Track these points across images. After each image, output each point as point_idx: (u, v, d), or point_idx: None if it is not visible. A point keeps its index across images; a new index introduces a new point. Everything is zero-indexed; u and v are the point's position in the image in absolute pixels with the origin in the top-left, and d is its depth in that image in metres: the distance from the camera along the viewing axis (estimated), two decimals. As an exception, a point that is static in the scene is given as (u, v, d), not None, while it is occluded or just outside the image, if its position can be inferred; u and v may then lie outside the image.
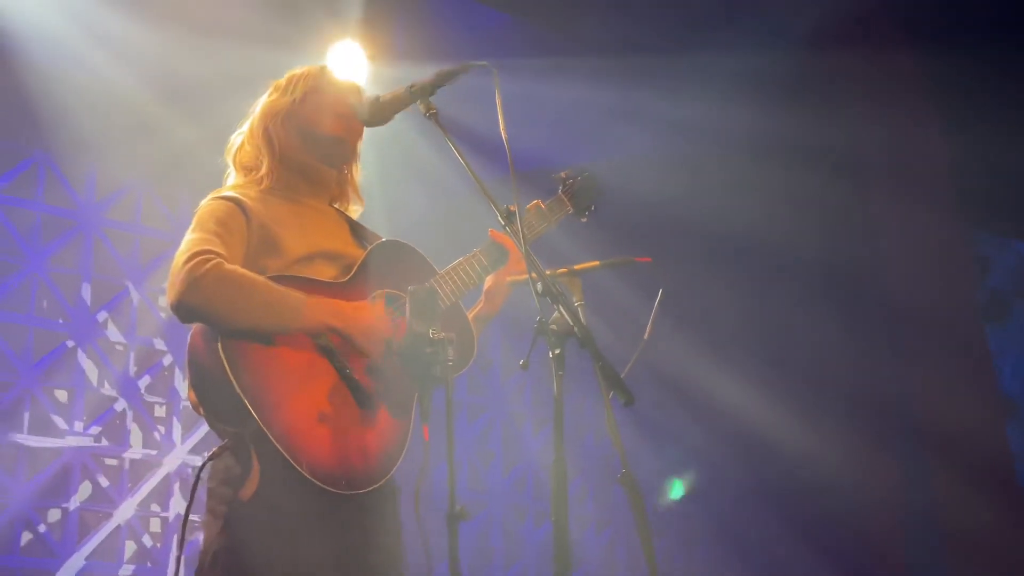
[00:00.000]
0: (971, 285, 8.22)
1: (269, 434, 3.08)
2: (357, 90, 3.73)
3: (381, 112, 3.52)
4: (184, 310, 3.18)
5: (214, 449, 3.25)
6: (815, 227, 7.62)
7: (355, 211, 3.81)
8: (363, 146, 3.78)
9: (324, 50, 6.34)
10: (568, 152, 7.09)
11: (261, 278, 3.24)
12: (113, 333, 6.76)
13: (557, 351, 3.00)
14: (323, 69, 3.73)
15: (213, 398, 3.21)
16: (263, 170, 3.58)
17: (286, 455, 3.09)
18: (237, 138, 3.69)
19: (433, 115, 3.37)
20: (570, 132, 7.16)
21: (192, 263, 3.17)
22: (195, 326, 3.26)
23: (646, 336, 3.45)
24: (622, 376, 2.97)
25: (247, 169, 3.63)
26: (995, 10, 7.09)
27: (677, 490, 8.63)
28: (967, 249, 8.25)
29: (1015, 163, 7.69)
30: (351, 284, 3.44)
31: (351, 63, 6.35)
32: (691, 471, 8.74)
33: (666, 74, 7.01)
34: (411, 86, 3.44)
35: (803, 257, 7.73)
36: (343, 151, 3.69)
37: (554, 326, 3.01)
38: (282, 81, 3.71)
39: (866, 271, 7.75)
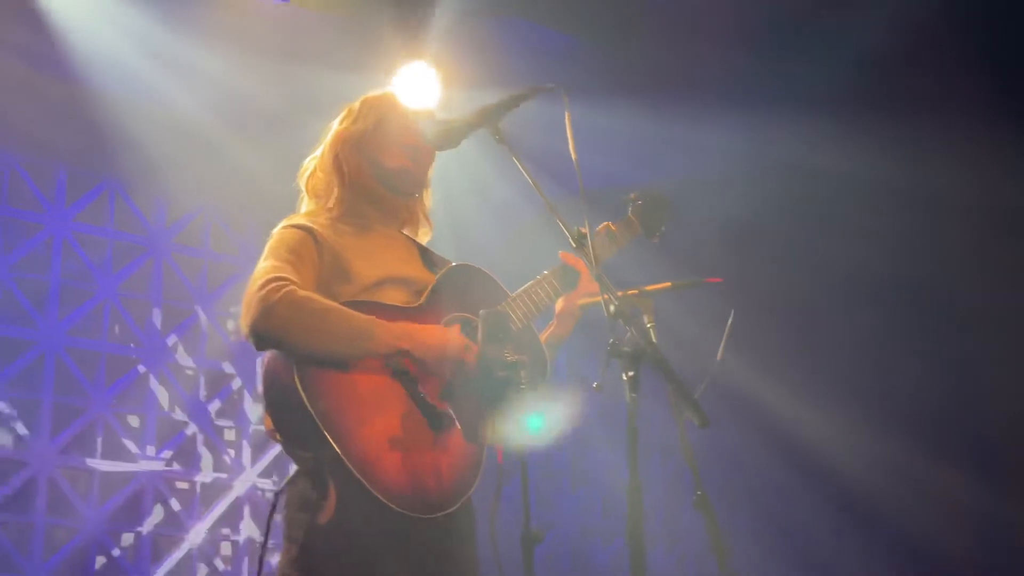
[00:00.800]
0: None
1: (345, 459, 3.09)
2: (429, 116, 3.73)
3: (450, 136, 3.51)
4: (259, 337, 3.20)
5: (290, 475, 3.26)
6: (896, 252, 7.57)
7: (424, 235, 3.82)
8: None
9: (395, 73, 6.37)
10: (635, 172, 7.07)
11: (334, 303, 3.26)
12: (183, 357, 6.83)
13: (631, 373, 2.98)
14: (393, 96, 3.75)
15: (289, 424, 3.22)
16: (333, 198, 3.60)
17: (362, 480, 3.09)
18: (310, 163, 3.71)
19: (502, 138, 3.38)
20: (637, 153, 7.14)
21: (265, 290, 3.19)
22: (270, 353, 3.28)
23: (718, 357, 3.43)
24: (696, 397, 2.95)
25: (318, 196, 3.66)
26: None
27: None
28: None
29: None
30: (423, 309, 3.45)
31: (422, 86, 6.37)
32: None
33: (740, 99, 6.99)
34: (480, 110, 3.44)
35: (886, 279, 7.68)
36: (411, 181, 3.70)
37: (627, 348, 2.99)
38: (355, 106, 3.73)
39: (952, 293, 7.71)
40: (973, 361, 7.93)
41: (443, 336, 3.36)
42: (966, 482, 7.73)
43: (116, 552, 6.35)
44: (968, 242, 7.69)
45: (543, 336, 3.75)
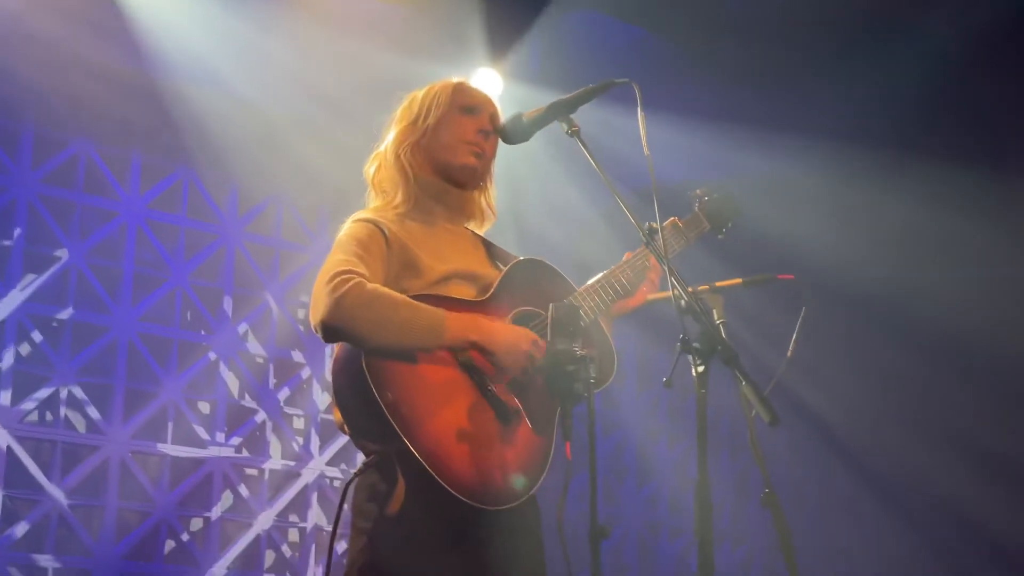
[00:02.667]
0: None
1: (413, 451, 3.10)
2: (491, 105, 3.73)
3: (522, 130, 3.52)
4: (327, 330, 3.21)
5: (360, 466, 3.27)
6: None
7: (488, 224, 3.82)
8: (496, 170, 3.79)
9: (463, 63, 6.39)
10: (705, 171, 7.04)
11: (402, 296, 3.26)
12: (253, 345, 6.88)
13: (701, 369, 2.97)
14: (457, 88, 3.71)
15: (358, 416, 3.24)
16: (399, 196, 3.60)
17: (430, 471, 3.11)
18: (374, 159, 3.71)
19: (575, 132, 3.38)
20: (709, 151, 7.11)
21: (334, 283, 3.20)
22: (339, 345, 3.30)
23: (789, 354, 3.41)
24: (766, 394, 2.93)
25: (384, 192, 3.66)
26: None
27: None
28: None
29: None
30: (490, 302, 3.45)
31: (488, 83, 6.42)
32: None
33: (807, 99, 6.95)
34: (553, 103, 3.44)
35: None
36: (476, 176, 3.70)
37: (697, 343, 2.98)
38: (417, 97, 3.71)
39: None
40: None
41: (513, 331, 3.37)
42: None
43: (185, 536, 6.41)
44: None
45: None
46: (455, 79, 3.77)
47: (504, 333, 3.34)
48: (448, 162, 3.63)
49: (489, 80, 6.55)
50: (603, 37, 6.65)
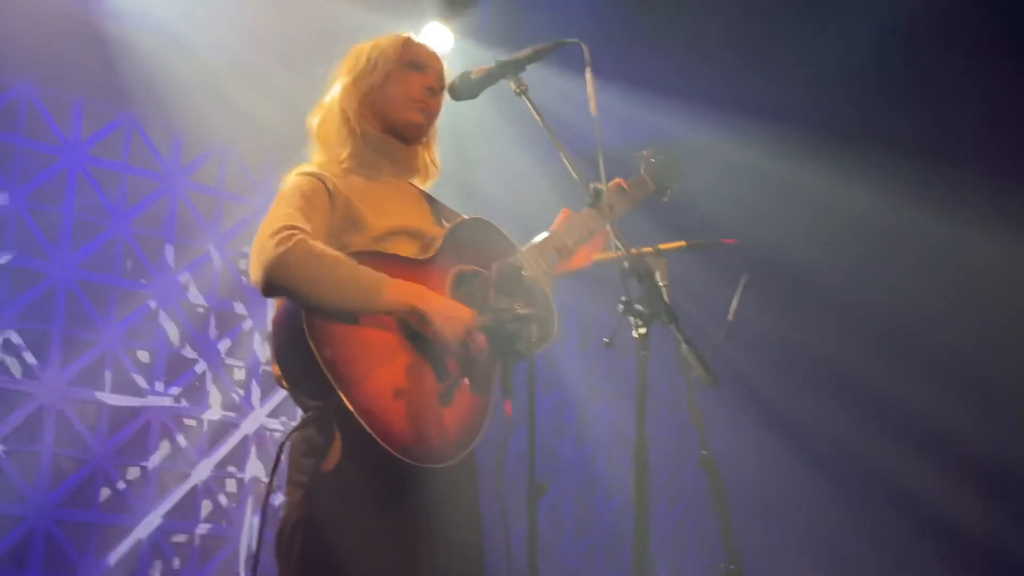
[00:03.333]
0: None
1: (351, 408, 3.10)
2: (437, 62, 3.71)
3: (470, 87, 3.51)
4: (268, 284, 3.19)
5: (297, 421, 3.27)
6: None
7: (432, 179, 3.80)
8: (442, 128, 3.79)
9: (414, 16, 6.34)
10: (654, 131, 7.05)
11: (344, 256, 3.25)
12: (194, 295, 6.83)
13: (642, 331, 2.99)
14: (404, 43, 3.69)
15: (296, 372, 3.23)
16: (345, 152, 3.58)
17: (367, 428, 3.11)
18: (318, 111, 3.68)
19: (523, 91, 3.38)
20: (654, 118, 7.11)
21: (277, 238, 3.18)
22: (279, 300, 3.29)
23: (730, 317, 3.44)
24: (706, 357, 2.96)
25: (329, 146, 3.63)
26: None
27: None
28: None
29: None
30: (434, 261, 3.45)
31: (438, 38, 6.39)
32: None
33: (760, 72, 6.96)
34: (502, 62, 3.44)
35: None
36: (422, 133, 3.70)
37: (639, 305, 2.99)
38: (363, 50, 3.68)
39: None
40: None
41: (453, 304, 3.36)
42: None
43: (121, 485, 6.38)
44: None
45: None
46: (403, 34, 3.74)
47: (444, 304, 3.34)
48: (395, 118, 3.62)
49: (440, 35, 6.51)
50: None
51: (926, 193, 7.22)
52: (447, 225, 3.59)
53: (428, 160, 3.77)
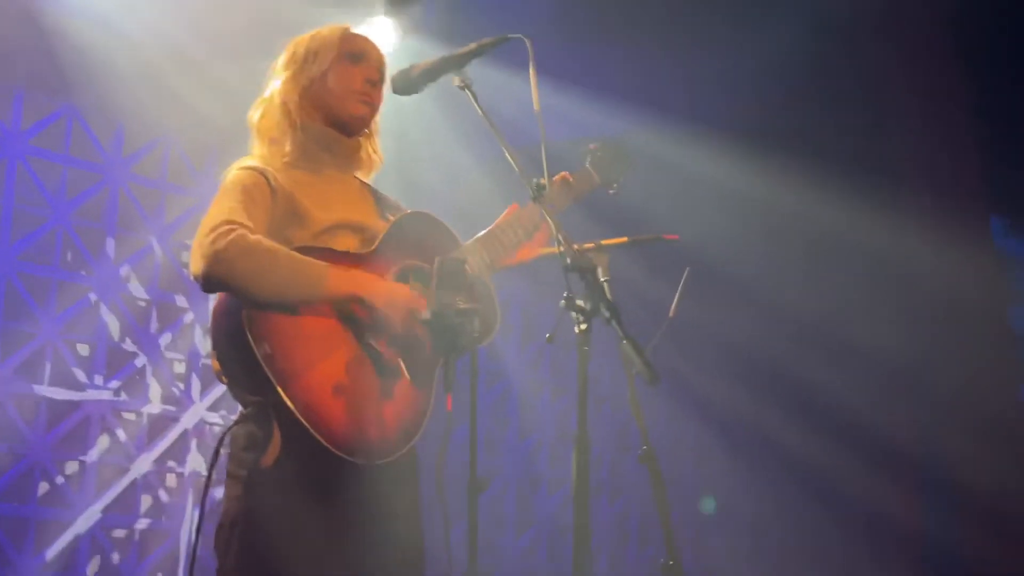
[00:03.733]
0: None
1: (289, 403, 3.10)
2: (378, 53, 3.70)
3: (413, 81, 3.51)
4: (207, 281, 3.18)
5: (237, 416, 3.26)
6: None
7: (375, 169, 3.79)
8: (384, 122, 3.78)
9: (359, 10, 6.32)
10: (610, 119, 7.07)
11: (284, 249, 3.24)
12: (136, 288, 6.77)
13: (583, 326, 3.00)
14: (344, 35, 3.67)
15: (235, 367, 3.22)
16: (287, 146, 3.56)
17: (306, 424, 3.11)
18: (259, 105, 3.65)
19: (467, 86, 3.38)
20: (613, 98, 7.12)
21: (216, 233, 3.17)
22: (219, 295, 3.27)
23: (671, 314, 3.45)
24: (647, 353, 2.97)
25: (271, 140, 3.60)
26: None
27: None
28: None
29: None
30: (375, 255, 3.44)
31: (384, 33, 6.36)
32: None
33: (710, 38, 6.98)
34: (445, 57, 3.44)
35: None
36: (364, 125, 3.69)
37: (581, 301, 3.01)
38: (302, 43, 3.66)
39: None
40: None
41: (394, 288, 3.37)
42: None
43: (60, 480, 6.32)
44: None
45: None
46: (342, 25, 3.73)
47: (386, 289, 3.34)
48: (337, 111, 3.61)
49: (385, 30, 6.49)
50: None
51: (856, 196, 7.30)
52: (391, 219, 3.58)
53: (370, 151, 3.76)
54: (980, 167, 7.86)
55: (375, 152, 3.77)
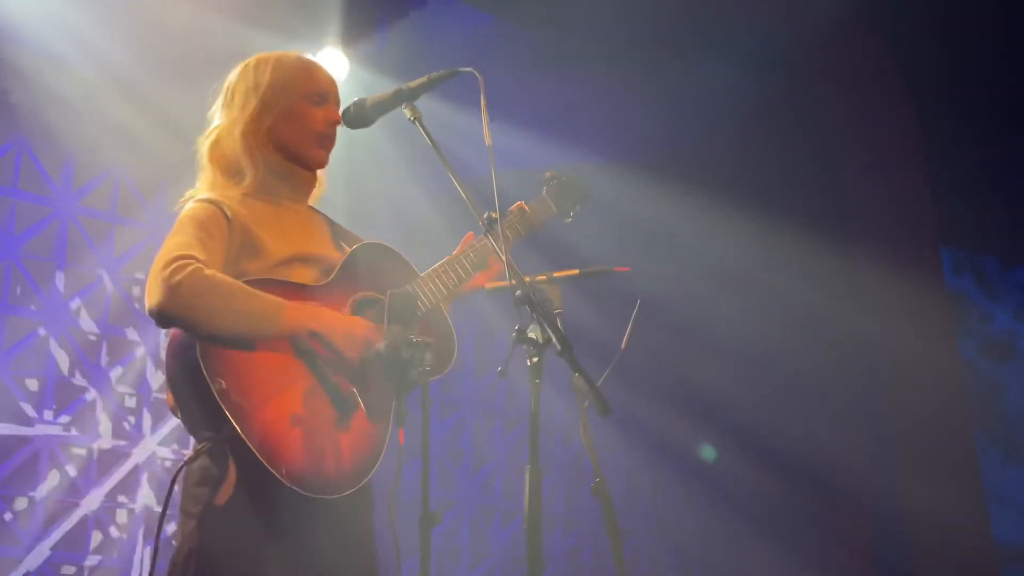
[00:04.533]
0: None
1: (245, 439, 3.08)
2: (336, 91, 3.68)
3: (365, 115, 3.51)
4: (162, 316, 3.16)
5: (191, 452, 3.24)
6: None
7: (320, 194, 3.76)
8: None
9: (310, 40, 6.31)
10: (556, 153, 7.09)
11: (239, 283, 3.23)
12: (86, 322, 6.72)
13: (535, 359, 3.02)
14: (304, 74, 3.62)
15: (190, 402, 3.21)
16: (246, 177, 3.52)
17: (261, 459, 3.09)
18: (211, 133, 3.59)
19: (418, 119, 3.38)
20: (560, 132, 7.16)
21: (170, 269, 3.15)
22: (173, 330, 3.25)
23: (623, 346, 3.46)
24: (598, 385, 2.98)
25: (226, 169, 3.55)
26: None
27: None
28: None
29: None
30: (330, 287, 3.44)
31: (334, 64, 6.36)
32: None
33: (655, 76, 7.03)
34: (397, 90, 3.44)
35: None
36: (323, 165, 3.67)
37: (532, 334, 3.02)
38: (263, 75, 3.58)
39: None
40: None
41: (350, 321, 3.36)
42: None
43: (8, 516, 6.25)
44: None
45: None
46: (298, 57, 3.68)
47: (342, 322, 3.34)
48: (299, 152, 3.58)
49: (335, 61, 6.48)
50: (455, 25, 6.65)
51: (804, 230, 7.38)
52: (346, 249, 3.58)
53: (321, 178, 3.74)
54: (930, 201, 7.94)
55: (319, 182, 3.75)
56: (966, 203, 8.15)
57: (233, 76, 3.63)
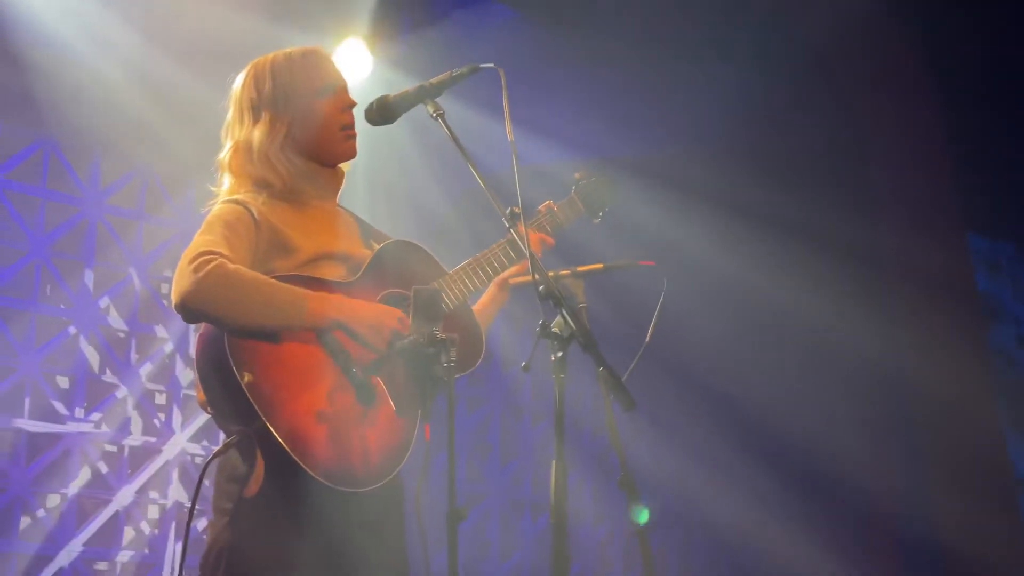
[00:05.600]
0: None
1: (273, 432, 3.11)
2: (341, 75, 3.66)
3: (388, 112, 3.50)
4: (188, 311, 3.19)
5: (219, 446, 3.26)
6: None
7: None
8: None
9: (330, 35, 6.31)
10: (584, 145, 7.09)
11: (264, 276, 3.25)
12: (115, 320, 6.77)
13: (559, 354, 3.02)
14: (303, 69, 3.59)
15: (220, 397, 3.23)
16: (269, 183, 3.51)
17: (290, 453, 3.11)
18: (229, 154, 3.57)
19: (440, 116, 3.38)
20: (589, 125, 7.15)
21: (195, 263, 3.18)
22: (202, 326, 3.28)
23: (647, 340, 3.46)
24: (623, 380, 2.98)
25: (249, 177, 3.54)
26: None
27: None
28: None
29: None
30: (358, 284, 3.45)
31: (354, 61, 6.35)
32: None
33: (674, 74, 7.01)
34: (419, 86, 3.44)
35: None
36: (352, 156, 3.67)
37: (556, 329, 3.02)
38: (263, 80, 3.57)
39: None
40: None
41: (377, 309, 3.38)
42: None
43: (41, 513, 6.30)
44: None
45: (477, 306, 3.78)
46: (294, 54, 3.64)
47: (368, 311, 3.36)
48: (324, 151, 3.58)
49: (359, 53, 6.43)
50: (474, 18, 6.64)
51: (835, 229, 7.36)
52: (375, 247, 3.59)
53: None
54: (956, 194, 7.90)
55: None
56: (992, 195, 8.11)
57: (237, 90, 3.62)
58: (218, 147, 3.66)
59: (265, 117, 3.55)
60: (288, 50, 3.66)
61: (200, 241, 3.28)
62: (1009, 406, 8.37)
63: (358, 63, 6.38)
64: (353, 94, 3.65)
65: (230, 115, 3.62)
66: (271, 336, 3.21)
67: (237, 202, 3.43)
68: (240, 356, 3.15)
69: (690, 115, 7.33)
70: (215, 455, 3.28)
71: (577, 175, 4.03)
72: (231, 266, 3.20)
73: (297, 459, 3.12)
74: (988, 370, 8.18)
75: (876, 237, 7.83)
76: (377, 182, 6.44)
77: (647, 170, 7.17)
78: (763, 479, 8.39)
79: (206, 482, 3.28)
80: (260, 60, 3.64)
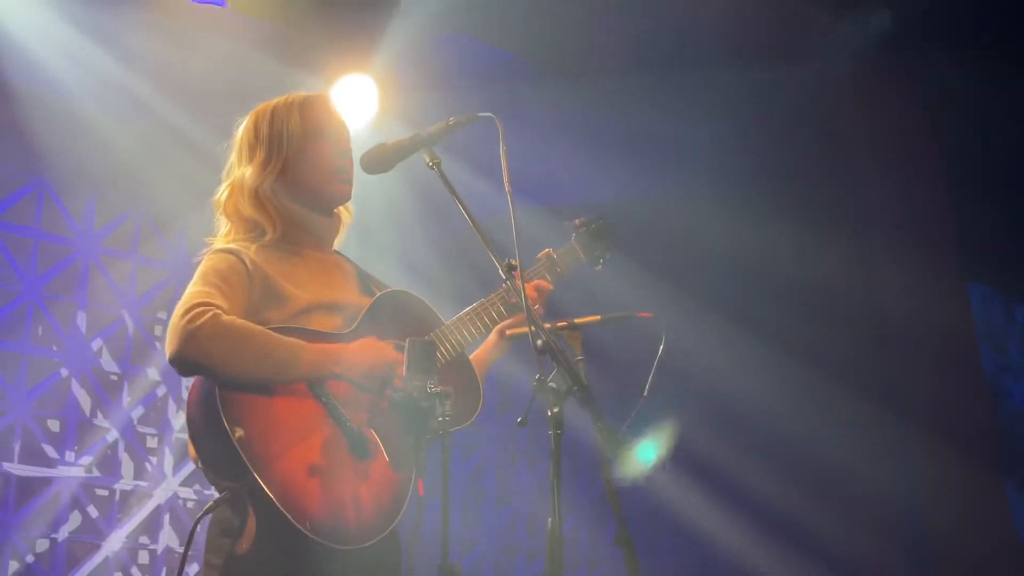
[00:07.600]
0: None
1: (265, 488, 3.06)
2: (339, 118, 3.65)
3: (384, 160, 3.48)
4: (182, 363, 3.15)
5: (211, 502, 3.21)
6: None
7: (347, 225, 3.73)
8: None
9: (333, 84, 6.28)
10: (588, 188, 7.09)
11: (260, 328, 3.21)
12: (107, 362, 6.72)
13: (555, 409, 2.97)
14: (302, 111, 3.58)
15: (211, 452, 3.19)
16: (264, 229, 3.50)
17: (282, 509, 3.06)
18: (224, 194, 3.56)
19: (437, 165, 3.36)
20: (591, 166, 7.15)
21: (189, 315, 3.14)
22: (195, 379, 3.24)
23: (646, 393, 3.43)
24: (619, 435, 2.94)
25: (244, 222, 3.53)
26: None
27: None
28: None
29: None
30: (353, 335, 3.41)
31: (360, 98, 6.28)
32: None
33: (669, 102, 7.01)
34: (415, 135, 3.42)
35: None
36: (347, 199, 3.65)
37: (553, 384, 2.98)
38: (260, 129, 3.57)
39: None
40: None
41: (373, 350, 3.32)
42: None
43: (30, 558, 6.23)
44: None
45: (475, 355, 3.74)
46: (293, 99, 3.63)
47: (363, 359, 3.30)
48: (318, 193, 3.56)
49: (366, 88, 6.36)
50: (476, 59, 6.62)
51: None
52: (374, 292, 3.55)
53: (345, 216, 3.71)
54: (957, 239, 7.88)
55: (346, 209, 3.72)
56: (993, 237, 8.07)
57: (239, 133, 3.62)
58: (213, 190, 3.65)
59: (260, 156, 3.54)
60: (293, 95, 3.66)
61: (193, 292, 3.25)
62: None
63: (362, 98, 6.29)
64: (356, 140, 3.63)
65: (231, 157, 3.62)
66: (265, 389, 3.17)
67: (230, 251, 3.40)
68: (232, 410, 3.10)
69: (690, 164, 7.32)
70: (208, 510, 3.23)
71: (576, 222, 4.00)
72: (226, 318, 3.17)
73: (289, 515, 3.07)
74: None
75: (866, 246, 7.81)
76: (367, 238, 6.42)
77: (643, 216, 7.15)
78: (758, 483, 8.32)
79: (199, 528, 3.23)
80: (264, 104, 3.64)
